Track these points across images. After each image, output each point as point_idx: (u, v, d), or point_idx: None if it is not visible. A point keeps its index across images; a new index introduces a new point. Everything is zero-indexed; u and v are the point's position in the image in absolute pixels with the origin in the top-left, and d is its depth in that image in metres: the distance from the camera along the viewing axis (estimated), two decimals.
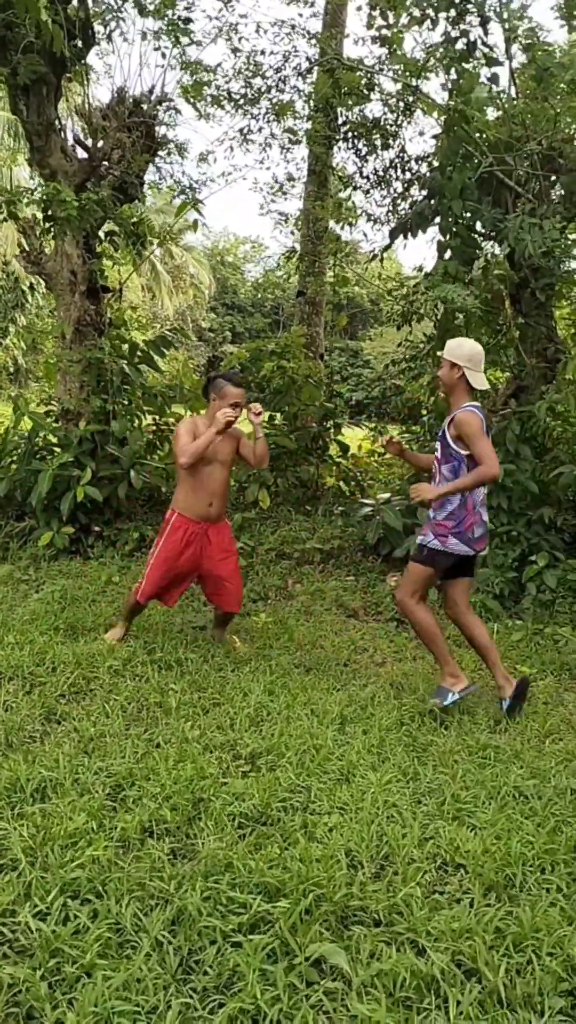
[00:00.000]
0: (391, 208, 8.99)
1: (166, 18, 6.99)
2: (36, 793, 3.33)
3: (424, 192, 8.28)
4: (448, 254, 7.00)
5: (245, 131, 9.50)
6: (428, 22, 7.89)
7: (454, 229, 6.73)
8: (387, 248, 8.40)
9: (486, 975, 2.43)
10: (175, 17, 6.98)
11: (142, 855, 2.94)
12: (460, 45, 6.50)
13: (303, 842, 3.05)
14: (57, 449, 7.36)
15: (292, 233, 11.62)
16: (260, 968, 2.39)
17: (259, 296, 53.00)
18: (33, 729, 4.00)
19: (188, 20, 7.05)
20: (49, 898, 2.64)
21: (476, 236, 7.11)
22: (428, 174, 7.66)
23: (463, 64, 6.56)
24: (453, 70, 6.57)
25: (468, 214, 6.81)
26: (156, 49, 7.48)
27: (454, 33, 6.79)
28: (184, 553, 5.05)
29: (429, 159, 8.95)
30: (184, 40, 7.20)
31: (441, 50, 6.51)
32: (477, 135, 6.58)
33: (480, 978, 2.44)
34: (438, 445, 4.61)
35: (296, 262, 10.99)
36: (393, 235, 7.79)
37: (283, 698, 4.52)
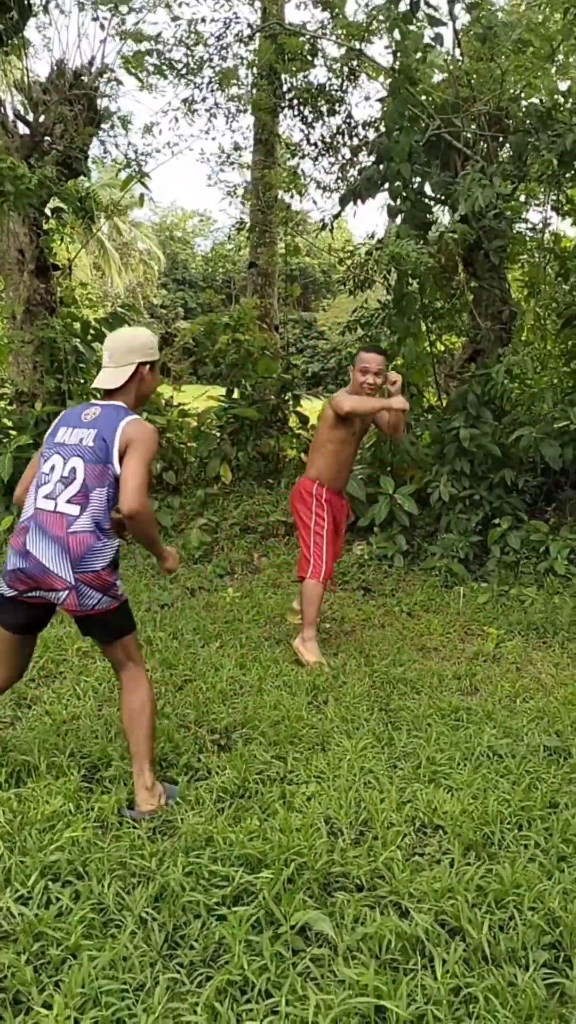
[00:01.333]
0: (340, 175, 8.93)
1: None
2: (11, 778, 3.30)
3: (372, 157, 8.23)
4: (399, 218, 6.96)
5: (189, 101, 9.34)
6: None
7: (403, 193, 6.68)
8: (337, 216, 8.35)
9: (470, 933, 2.46)
10: None
11: (121, 834, 2.92)
12: (403, 6, 6.41)
13: (282, 812, 3.05)
14: (13, 432, 7.24)
15: (242, 204, 11.48)
16: (246, 939, 2.39)
17: (210, 270, 52.54)
18: (4, 715, 3.95)
19: None
20: (30, 882, 2.61)
21: (426, 200, 7.09)
22: (376, 139, 7.59)
23: (407, 25, 6.48)
24: (397, 31, 6.49)
25: (417, 178, 6.78)
26: (95, 19, 7.25)
27: None
28: (333, 524, 4.99)
29: (376, 124, 8.87)
30: (123, 9, 7.03)
31: (384, 11, 6.41)
32: (423, 97, 6.54)
33: (464, 936, 2.47)
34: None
35: (247, 233, 10.88)
36: (343, 202, 7.74)
37: (255, 671, 4.52)
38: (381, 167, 7.52)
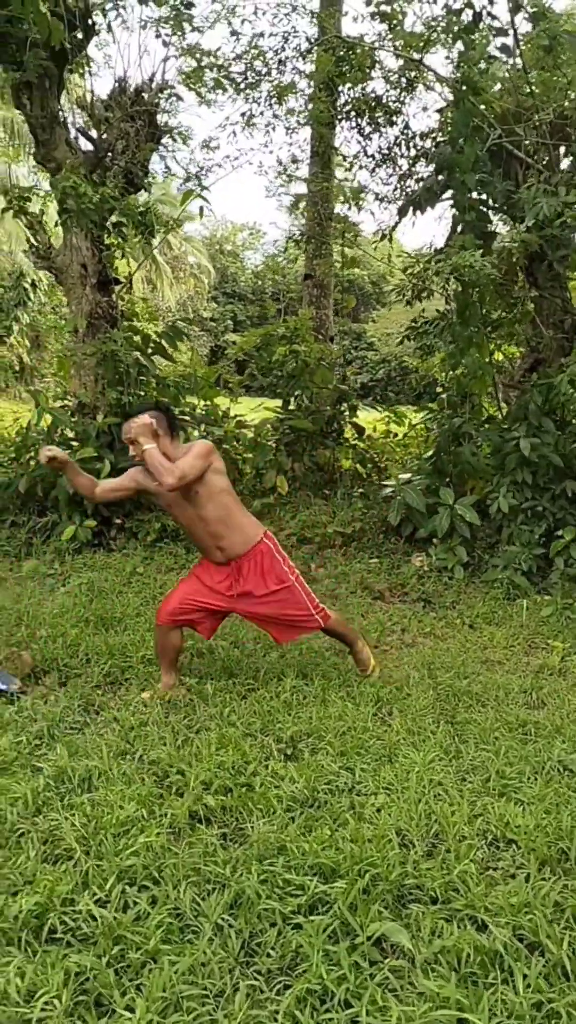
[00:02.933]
0: (398, 186, 8.93)
1: (167, 5, 6.92)
2: (83, 783, 3.34)
3: (430, 168, 8.24)
4: (460, 228, 6.95)
5: (247, 115, 9.43)
6: None
7: (467, 204, 6.66)
8: (395, 226, 8.35)
9: (549, 948, 2.43)
10: (177, 2, 6.91)
11: (194, 841, 2.94)
12: (466, 17, 6.42)
13: (353, 823, 3.05)
14: (75, 444, 7.34)
15: (301, 216, 11.54)
16: (323, 949, 2.39)
17: (259, 283, 52.87)
18: (73, 720, 4.00)
19: (190, 5, 7.00)
20: (107, 886, 2.64)
21: (487, 210, 7.06)
22: (435, 149, 7.59)
23: (469, 35, 6.48)
24: (460, 42, 6.50)
25: (479, 188, 6.77)
26: (157, 36, 7.37)
27: (457, 4, 6.72)
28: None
29: (434, 135, 8.87)
30: (186, 27, 7.13)
31: (445, 22, 6.42)
32: (484, 107, 6.52)
33: (543, 951, 2.44)
34: None
35: (303, 245, 10.94)
36: (402, 212, 7.75)
37: (317, 682, 4.51)
38: (441, 177, 7.52)
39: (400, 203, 8.51)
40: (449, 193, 7.45)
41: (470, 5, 6.58)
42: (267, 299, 50.97)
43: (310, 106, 9.65)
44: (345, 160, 9.91)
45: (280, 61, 9.28)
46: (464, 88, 6.51)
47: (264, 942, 2.47)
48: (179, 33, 7.21)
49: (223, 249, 53.91)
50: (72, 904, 2.58)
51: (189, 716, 4.06)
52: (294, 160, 10.20)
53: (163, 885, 2.69)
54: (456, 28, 6.41)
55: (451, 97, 8.32)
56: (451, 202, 7.35)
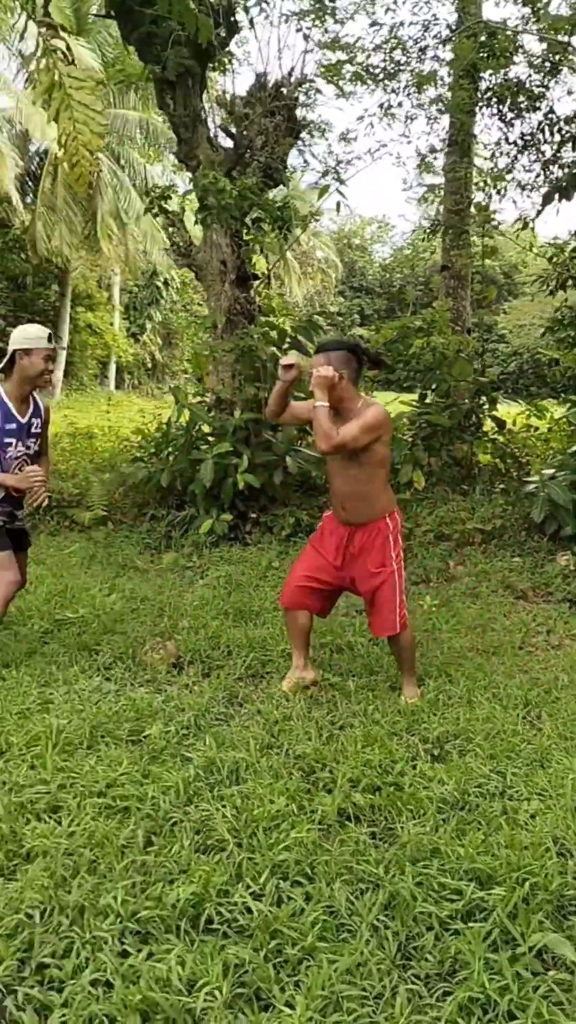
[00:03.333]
0: (540, 172, 8.66)
1: None
2: (231, 775, 3.36)
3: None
4: None
5: (385, 106, 9.33)
6: None
7: None
8: (539, 214, 8.10)
9: None
10: None
11: (345, 839, 2.91)
12: None
13: (507, 828, 2.96)
14: (212, 439, 7.45)
15: (432, 206, 11.34)
16: (484, 956, 2.32)
17: (387, 276, 52.54)
18: (218, 712, 4.04)
19: None
20: (261, 879, 2.64)
21: None
22: None
23: None
24: None
25: None
26: (298, 31, 7.36)
27: None
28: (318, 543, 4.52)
29: None
30: (328, 20, 7.10)
31: None
32: None
33: None
34: None
35: (440, 236, 10.76)
36: (547, 199, 7.52)
37: (463, 683, 4.41)
38: None
39: (544, 190, 8.24)
40: None
41: None
42: (395, 292, 50.73)
43: (450, 94, 9.48)
44: (485, 148, 9.69)
45: (420, 50, 9.14)
46: None
47: (421, 946, 2.42)
48: (320, 26, 7.18)
49: (351, 243, 53.85)
50: (227, 895, 2.60)
51: (332, 712, 4.03)
52: (433, 150, 10.04)
53: (316, 882, 2.67)
54: None
55: None
56: None
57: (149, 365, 35.02)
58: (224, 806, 3.08)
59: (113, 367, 32.33)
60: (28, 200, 24.37)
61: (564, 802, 3.17)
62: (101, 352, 31.50)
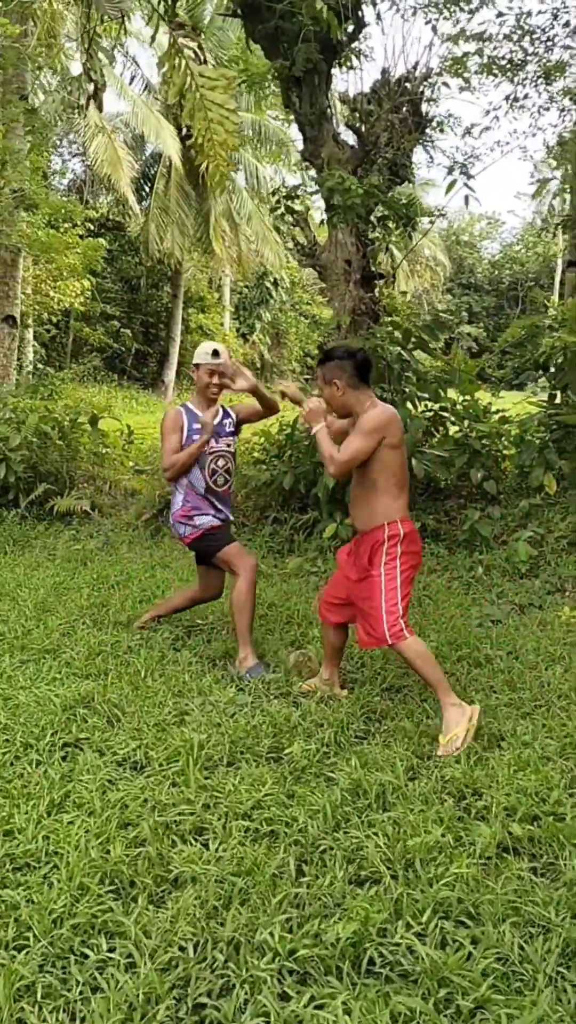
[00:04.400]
0: None
1: None
2: (378, 799, 3.21)
3: None
4: None
5: (511, 98, 9.01)
6: None
7: None
8: None
9: None
10: None
11: (508, 874, 2.72)
12: None
13: None
14: None
15: (547, 200, 10.90)
16: None
17: (496, 273, 51.52)
18: (358, 728, 3.90)
19: None
20: (423, 918, 2.49)
21: None
22: None
23: None
24: None
25: None
26: (427, 23, 7.16)
27: None
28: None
29: None
30: (458, 9, 6.88)
31: None
32: None
33: None
34: None
35: (560, 230, 10.36)
36: None
37: None
38: None
39: None
40: None
41: None
42: (504, 289, 49.71)
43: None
44: None
45: (549, 39, 8.79)
46: None
47: None
48: (450, 17, 6.96)
49: (459, 240, 53.01)
50: (386, 935, 2.45)
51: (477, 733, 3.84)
52: (561, 141, 9.65)
53: (482, 923, 2.50)
54: None
55: None
56: None
57: (258, 365, 35.22)
58: (375, 833, 2.94)
59: None
60: (143, 204, 24.78)
61: None
62: None
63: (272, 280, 33.36)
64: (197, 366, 4.83)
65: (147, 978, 2.25)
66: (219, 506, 4.88)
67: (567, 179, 12.14)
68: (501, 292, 51.04)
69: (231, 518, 5.01)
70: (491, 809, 3.12)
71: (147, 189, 25.20)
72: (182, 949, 2.39)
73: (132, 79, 24.22)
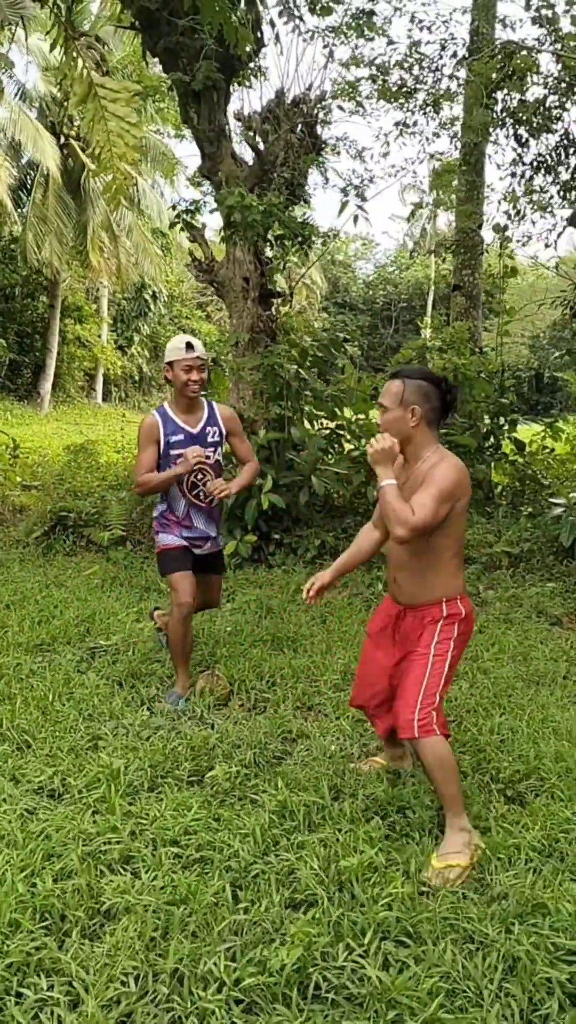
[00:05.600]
0: (561, 194, 8.61)
1: (346, 13, 6.83)
2: (305, 820, 3.20)
3: None
4: None
5: (401, 124, 9.27)
6: None
7: None
8: (560, 235, 8.04)
9: None
10: (359, 11, 6.81)
11: (444, 892, 2.75)
12: None
13: None
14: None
15: (419, 223, 11.25)
16: None
17: (371, 293, 52.71)
18: (276, 749, 3.88)
19: (372, 13, 6.89)
20: (364, 940, 2.49)
21: None
22: None
23: None
24: None
25: None
26: (325, 46, 7.29)
27: None
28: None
29: None
30: (353, 36, 7.03)
31: None
32: None
33: None
34: None
35: (450, 255, 10.71)
36: (573, 221, 7.44)
37: (519, 715, 4.27)
38: None
39: (563, 211, 8.19)
40: None
41: None
42: (378, 309, 50.91)
43: (462, 114, 9.43)
44: (500, 168, 9.64)
45: (437, 68, 9.09)
46: None
47: (546, 1015, 2.27)
48: (347, 42, 7.09)
49: (334, 260, 54.01)
50: (329, 959, 2.44)
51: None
52: (447, 170, 9.99)
53: (422, 942, 2.52)
54: None
55: None
56: None
57: (136, 378, 34.84)
58: (307, 855, 2.92)
59: (100, 380, 32.12)
60: (20, 211, 24.17)
61: None
62: (88, 364, 31.31)
63: (151, 293, 33.09)
64: (170, 364, 4.33)
65: (93, 1016, 2.17)
66: (196, 523, 4.45)
67: (440, 203, 12.59)
68: (375, 312, 52.22)
69: (212, 536, 4.56)
70: (422, 826, 3.16)
71: (24, 197, 24.58)
72: (123, 983, 2.31)
73: (14, 89, 23.61)
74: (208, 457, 4.36)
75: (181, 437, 4.36)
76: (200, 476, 4.38)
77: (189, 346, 4.31)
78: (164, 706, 4.27)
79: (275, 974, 2.35)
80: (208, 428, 4.44)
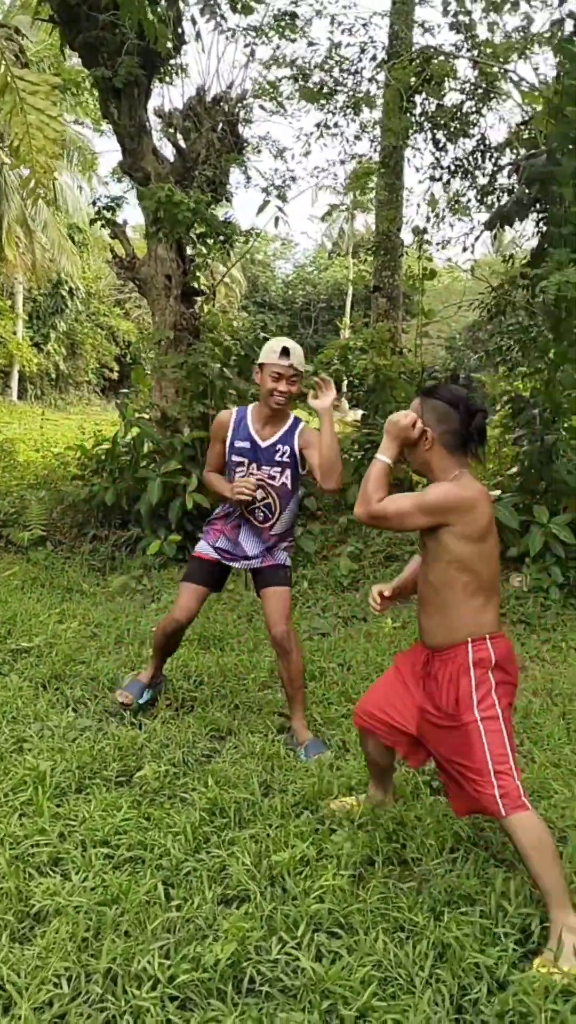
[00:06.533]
0: (479, 198, 8.80)
1: (268, 13, 6.86)
2: (236, 817, 3.21)
3: (513, 180, 8.11)
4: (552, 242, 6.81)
5: (322, 125, 9.35)
6: (508, 5, 7.73)
7: (564, 217, 6.52)
8: (477, 238, 8.21)
9: None
10: (280, 12, 6.84)
11: (375, 883, 2.80)
12: (570, 27, 6.31)
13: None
14: (158, 456, 7.26)
15: (337, 224, 11.37)
16: (547, 1008, 2.24)
17: (290, 293, 52.96)
18: (205, 747, 3.88)
19: (294, 15, 6.93)
20: (297, 932, 2.51)
21: None
22: (525, 161, 7.46)
23: (571, 46, 6.36)
24: (560, 52, 6.38)
25: None
26: (246, 46, 7.31)
27: (557, 15, 6.61)
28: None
29: (514, 146, 8.74)
30: (275, 37, 7.07)
31: (550, 34, 6.31)
32: None
33: None
34: None
35: (371, 257, 10.86)
36: (490, 225, 7.63)
37: None
38: (529, 190, 7.38)
39: (482, 215, 8.38)
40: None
41: (572, 16, 6.46)
42: (297, 309, 51.17)
43: (381, 117, 9.57)
44: (418, 171, 9.81)
45: (357, 71, 9.19)
46: (565, 99, 6.38)
47: (475, 999, 2.33)
48: (269, 42, 7.13)
49: (254, 259, 54.07)
50: (263, 952, 2.45)
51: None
52: (366, 171, 10.11)
53: (354, 932, 2.55)
54: (559, 40, 6.28)
55: (531, 109, 8.22)
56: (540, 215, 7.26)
57: (53, 375, 34.24)
58: (238, 851, 2.93)
59: (16, 377, 31.48)
60: None
61: None
62: (3, 361, 30.66)
63: (68, 289, 32.57)
64: (261, 366, 3.86)
65: (26, 1020, 2.14)
66: (241, 539, 4.08)
67: (357, 205, 12.74)
68: (295, 312, 52.42)
69: (252, 557, 4.09)
70: (347, 819, 3.20)
71: None
72: (56, 985, 2.29)
73: None
74: (273, 477, 3.96)
75: (247, 445, 3.96)
76: (260, 494, 3.96)
77: (285, 352, 3.81)
78: (93, 706, 4.23)
79: (209, 970, 2.35)
80: (280, 446, 3.95)
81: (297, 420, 4.03)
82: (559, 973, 2.38)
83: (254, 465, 3.96)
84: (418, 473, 3.02)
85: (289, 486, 4.01)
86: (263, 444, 3.95)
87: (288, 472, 3.98)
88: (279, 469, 3.96)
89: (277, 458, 3.95)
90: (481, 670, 2.76)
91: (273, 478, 3.96)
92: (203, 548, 4.17)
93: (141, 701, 4.23)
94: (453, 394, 2.85)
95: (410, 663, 3.05)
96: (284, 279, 55.46)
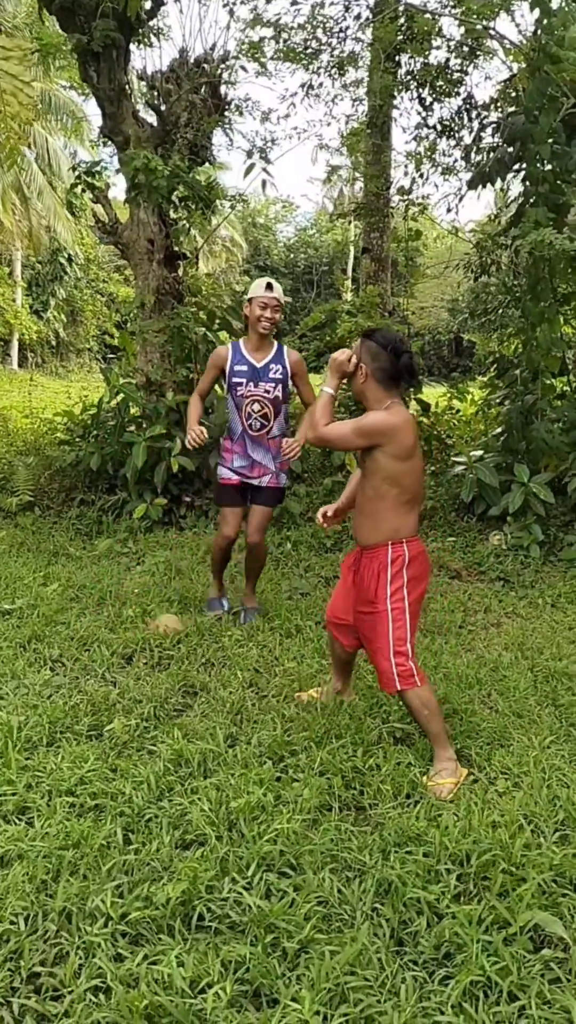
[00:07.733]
0: (464, 157, 8.73)
1: None
2: (200, 767, 3.32)
3: (497, 138, 8.05)
4: (532, 201, 6.79)
5: (306, 86, 9.26)
6: None
7: (542, 175, 6.50)
8: (461, 198, 8.18)
9: None
10: None
11: (327, 826, 2.91)
12: None
13: (478, 809, 3.00)
14: (142, 421, 7.32)
15: (337, 187, 11.31)
16: (479, 939, 2.35)
17: (292, 256, 52.50)
18: (176, 702, 3.99)
19: None
20: (249, 872, 2.62)
21: (561, 182, 6.88)
22: (507, 119, 7.41)
23: (548, 2, 6.30)
24: (539, 9, 6.32)
25: (554, 159, 6.60)
26: (225, 6, 7.22)
27: None
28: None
29: (498, 105, 8.66)
30: None
31: None
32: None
33: None
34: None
35: (359, 219, 10.78)
36: (472, 184, 7.59)
37: (428, 661, 4.46)
38: (511, 149, 7.34)
39: (467, 174, 8.34)
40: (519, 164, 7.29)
41: None
42: (299, 272, 50.78)
43: (369, 76, 9.46)
44: (405, 131, 9.72)
45: (341, 30, 9.09)
46: (541, 56, 6.34)
47: (415, 932, 2.44)
48: (247, 1, 7.06)
49: (255, 222, 53.56)
50: (215, 891, 2.57)
51: (291, 699, 4.03)
52: (354, 133, 10.02)
53: (303, 872, 2.67)
54: None
55: (515, 67, 8.13)
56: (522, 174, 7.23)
57: (53, 343, 34.16)
58: (199, 799, 3.04)
59: (16, 345, 31.42)
60: None
61: (530, 780, 3.24)
62: (2, 330, 30.58)
63: (66, 256, 32.39)
64: (250, 301, 4.80)
65: None
66: (249, 452, 4.96)
67: (356, 167, 12.64)
68: (297, 275, 52.03)
69: (270, 468, 5.01)
70: (308, 766, 3.31)
71: None
72: (13, 924, 2.40)
73: None
74: (268, 391, 4.85)
75: (245, 368, 4.85)
76: (256, 407, 4.87)
77: (269, 286, 4.77)
78: (67, 665, 4.33)
79: (160, 907, 2.47)
80: (272, 365, 4.89)
81: (281, 345, 4.99)
82: (439, 784, 3.20)
83: (251, 383, 4.86)
84: (358, 401, 3.73)
85: (281, 397, 4.93)
86: (259, 365, 4.87)
87: (280, 387, 4.91)
88: (273, 384, 4.88)
89: (271, 375, 4.87)
90: (396, 568, 3.39)
91: (268, 392, 4.87)
92: (225, 473, 5.07)
93: (227, 608, 5.24)
94: (385, 337, 3.40)
95: (348, 565, 3.71)
96: (286, 242, 54.98)
